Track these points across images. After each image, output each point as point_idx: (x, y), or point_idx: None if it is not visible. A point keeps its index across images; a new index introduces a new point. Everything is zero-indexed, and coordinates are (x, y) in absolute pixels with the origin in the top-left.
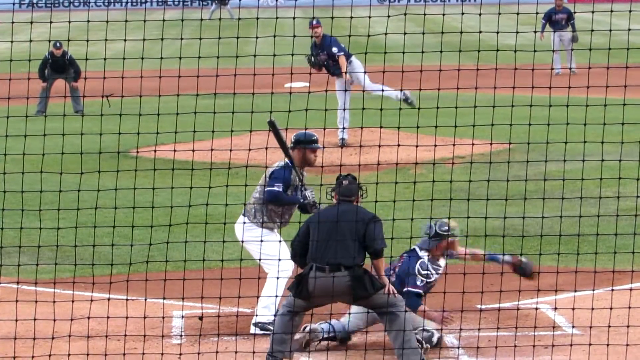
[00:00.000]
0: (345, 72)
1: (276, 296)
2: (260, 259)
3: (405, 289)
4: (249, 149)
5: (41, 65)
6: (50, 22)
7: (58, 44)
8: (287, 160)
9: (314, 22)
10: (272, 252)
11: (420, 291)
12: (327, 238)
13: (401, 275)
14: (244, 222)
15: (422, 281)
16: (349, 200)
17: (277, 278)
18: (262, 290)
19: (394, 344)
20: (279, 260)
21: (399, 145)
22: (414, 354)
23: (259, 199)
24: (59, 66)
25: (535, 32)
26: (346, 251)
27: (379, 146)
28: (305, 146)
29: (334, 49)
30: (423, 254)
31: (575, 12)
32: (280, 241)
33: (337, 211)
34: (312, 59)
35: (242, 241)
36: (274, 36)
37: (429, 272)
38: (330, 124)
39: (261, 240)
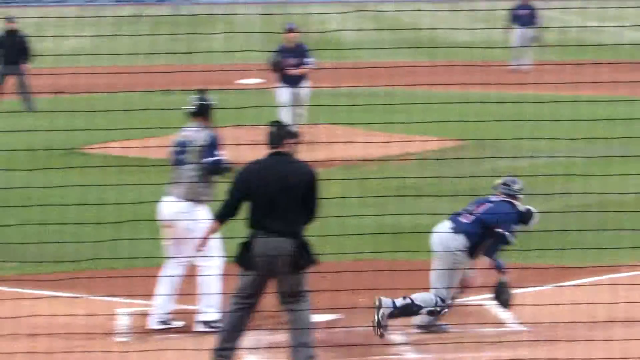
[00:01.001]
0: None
1: (221, 293)
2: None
3: (500, 231)
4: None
5: None
6: (4, 19)
7: (11, 19)
8: (204, 125)
9: (293, 25)
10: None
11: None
12: (269, 204)
13: (489, 218)
14: (188, 206)
15: (515, 230)
16: (279, 148)
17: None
18: (201, 287)
19: (292, 340)
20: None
21: (350, 142)
22: (308, 354)
23: (196, 176)
24: (13, 44)
25: (491, 28)
26: (291, 219)
27: (331, 143)
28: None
29: (310, 60)
30: (519, 205)
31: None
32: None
33: (272, 168)
34: (276, 59)
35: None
36: (228, 33)
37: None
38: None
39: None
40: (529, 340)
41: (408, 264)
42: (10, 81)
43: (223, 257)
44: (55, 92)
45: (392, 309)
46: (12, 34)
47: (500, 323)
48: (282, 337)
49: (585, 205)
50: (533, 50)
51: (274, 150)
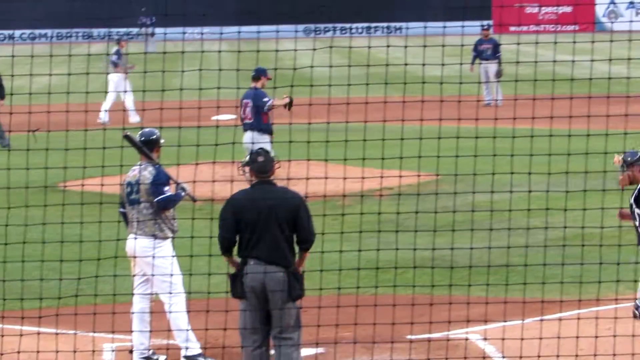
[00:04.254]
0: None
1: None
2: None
3: None
4: (177, 182)
5: None
6: None
7: None
8: (146, 161)
9: (265, 70)
10: (167, 271)
11: None
12: (259, 232)
13: None
14: (154, 243)
15: None
16: (267, 177)
17: (186, 312)
18: (172, 324)
19: None
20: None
21: (326, 177)
22: None
23: (152, 213)
24: None
25: (461, 64)
26: (280, 250)
27: (307, 179)
28: (158, 145)
29: (266, 100)
30: None
31: (501, 44)
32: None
33: (260, 196)
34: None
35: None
36: (200, 70)
37: None
38: None
39: (173, 256)
40: None
41: (389, 298)
42: None
43: (185, 292)
44: (31, 130)
45: None
46: None
47: (484, 357)
48: None
49: (564, 239)
50: (502, 84)
51: (261, 178)
